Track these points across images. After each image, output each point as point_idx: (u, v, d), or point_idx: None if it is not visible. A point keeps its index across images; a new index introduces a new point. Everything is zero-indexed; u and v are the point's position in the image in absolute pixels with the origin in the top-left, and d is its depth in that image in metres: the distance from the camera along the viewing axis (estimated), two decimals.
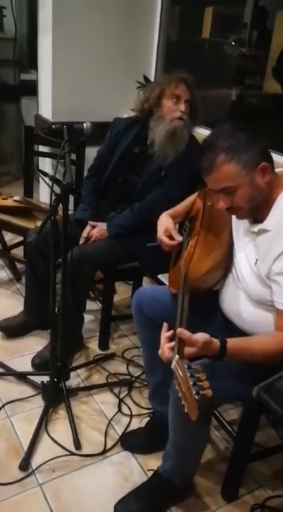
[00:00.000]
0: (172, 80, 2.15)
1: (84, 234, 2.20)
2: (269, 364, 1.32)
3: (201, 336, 1.24)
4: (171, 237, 1.73)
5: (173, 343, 1.27)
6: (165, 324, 1.35)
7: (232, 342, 1.31)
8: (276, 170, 1.44)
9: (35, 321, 2.39)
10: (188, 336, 1.23)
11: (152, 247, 1.85)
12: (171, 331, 1.31)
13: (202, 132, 2.60)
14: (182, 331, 1.23)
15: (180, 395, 1.12)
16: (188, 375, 1.13)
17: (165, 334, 1.33)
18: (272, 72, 2.69)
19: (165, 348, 1.30)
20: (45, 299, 1.94)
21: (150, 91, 2.20)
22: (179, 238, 1.71)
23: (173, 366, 1.18)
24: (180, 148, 2.17)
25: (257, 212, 1.42)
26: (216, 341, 1.28)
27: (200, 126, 2.69)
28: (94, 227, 2.22)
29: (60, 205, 1.70)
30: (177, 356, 1.19)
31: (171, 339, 1.30)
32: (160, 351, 1.32)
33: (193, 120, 2.21)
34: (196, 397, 1.08)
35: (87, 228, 2.21)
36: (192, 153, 2.11)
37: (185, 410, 1.09)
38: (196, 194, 1.78)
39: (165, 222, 1.77)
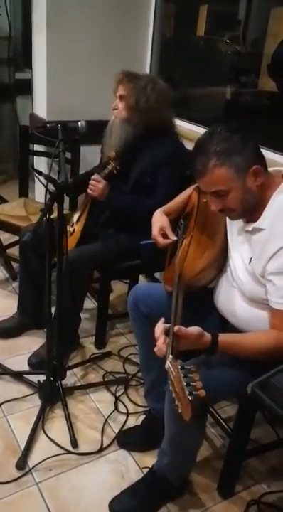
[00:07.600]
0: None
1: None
2: (261, 360, 1.33)
3: (195, 329, 1.29)
4: (165, 236, 1.73)
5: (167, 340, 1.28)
6: (162, 319, 1.37)
7: (224, 336, 1.35)
8: (269, 169, 1.44)
9: (29, 320, 2.39)
10: (184, 332, 1.26)
11: (146, 245, 1.84)
12: (165, 324, 1.33)
13: (196, 130, 2.61)
14: (180, 328, 1.26)
15: (173, 395, 1.12)
16: (182, 375, 1.13)
17: (160, 328, 1.34)
18: (267, 69, 2.68)
19: (160, 345, 1.31)
20: (40, 299, 1.93)
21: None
22: (173, 237, 1.71)
23: (166, 366, 1.18)
24: (117, 145, 2.07)
25: (251, 213, 1.42)
26: (208, 335, 1.32)
27: (193, 124, 2.68)
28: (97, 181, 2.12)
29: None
30: (171, 356, 1.19)
31: (165, 333, 1.31)
32: (156, 348, 1.33)
33: (130, 119, 2.07)
34: (189, 397, 1.09)
35: None
36: (177, 152, 2.09)
37: (179, 411, 1.10)
38: (192, 188, 1.76)
39: (160, 220, 1.77)
